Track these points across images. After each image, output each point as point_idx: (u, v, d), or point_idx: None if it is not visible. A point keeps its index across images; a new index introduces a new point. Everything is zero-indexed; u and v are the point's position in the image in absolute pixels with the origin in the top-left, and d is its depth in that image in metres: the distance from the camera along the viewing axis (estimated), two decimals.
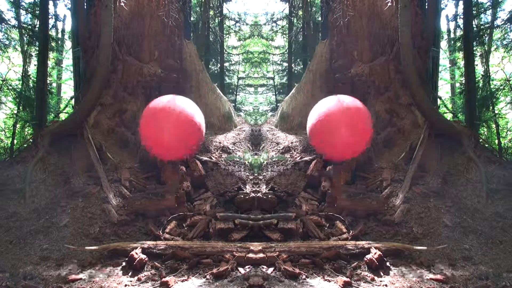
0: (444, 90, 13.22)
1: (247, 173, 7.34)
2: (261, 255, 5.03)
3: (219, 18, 11.89)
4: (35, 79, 9.15)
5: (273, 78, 12.50)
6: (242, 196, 6.62)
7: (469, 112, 8.82)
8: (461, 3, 10.74)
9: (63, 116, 9.59)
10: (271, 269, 4.82)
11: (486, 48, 9.47)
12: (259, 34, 12.17)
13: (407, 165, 7.10)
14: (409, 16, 7.63)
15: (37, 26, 9.40)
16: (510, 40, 9.39)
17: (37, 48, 9.28)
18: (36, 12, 9.51)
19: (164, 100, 6.68)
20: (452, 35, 12.30)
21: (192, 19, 10.41)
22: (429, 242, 5.58)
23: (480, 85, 9.23)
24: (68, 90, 12.98)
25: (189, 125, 6.58)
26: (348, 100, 6.71)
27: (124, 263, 4.97)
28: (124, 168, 7.11)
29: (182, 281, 4.54)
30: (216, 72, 12.24)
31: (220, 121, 9.02)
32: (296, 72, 12.35)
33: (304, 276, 4.63)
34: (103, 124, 7.72)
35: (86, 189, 6.60)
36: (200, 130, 6.78)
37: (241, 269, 4.82)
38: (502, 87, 9.12)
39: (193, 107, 6.80)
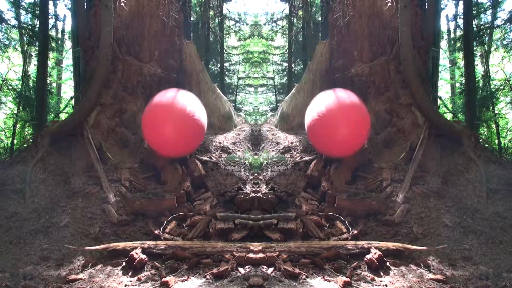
0: (444, 90, 13.23)
1: (247, 173, 7.34)
2: (261, 255, 5.03)
3: (219, 18, 11.88)
4: (35, 79, 9.15)
5: (273, 78, 12.50)
6: (242, 196, 6.62)
7: (469, 112, 8.82)
8: (461, 3, 10.75)
9: (63, 116, 9.59)
10: (271, 269, 4.82)
11: (486, 48, 9.48)
12: (259, 34, 12.17)
13: (407, 165, 7.10)
14: (409, 16, 7.63)
15: (37, 26, 9.40)
16: (510, 40, 9.40)
17: (37, 48, 9.29)
18: (36, 12, 9.52)
19: (166, 96, 6.67)
20: (452, 35, 12.30)
21: (192, 19, 10.41)
22: (429, 242, 5.57)
23: (480, 85, 9.23)
24: (68, 90, 12.98)
25: (192, 122, 6.57)
26: (344, 96, 6.72)
27: (124, 263, 4.96)
28: (124, 168, 7.10)
29: (182, 281, 4.54)
30: (216, 72, 12.24)
31: (220, 121, 9.01)
32: (296, 72, 12.34)
33: (304, 276, 4.63)
34: (103, 124, 7.72)
35: (86, 189, 6.59)
36: (202, 127, 6.77)
37: (241, 269, 4.82)
38: (502, 87, 9.12)
39: (195, 103, 6.79)
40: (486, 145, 8.27)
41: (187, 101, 6.74)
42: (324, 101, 6.79)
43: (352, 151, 6.83)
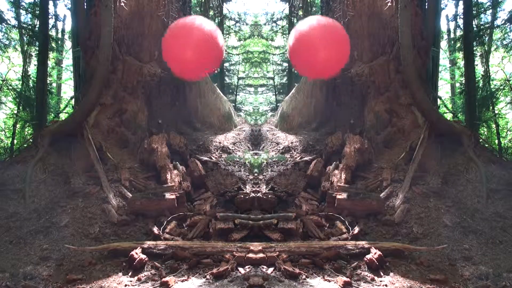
0: (444, 90, 13.22)
1: (247, 173, 7.35)
2: (261, 255, 5.03)
3: (219, 18, 11.88)
4: (35, 79, 9.14)
5: (273, 78, 12.51)
6: (242, 196, 6.62)
7: (469, 112, 8.82)
8: (461, 3, 10.73)
9: (63, 116, 9.58)
10: (271, 269, 4.82)
11: (486, 48, 9.47)
12: (259, 34, 12.17)
13: (407, 165, 7.10)
14: (409, 16, 7.62)
15: (37, 26, 9.39)
16: (510, 40, 9.39)
17: (37, 48, 9.27)
18: (36, 12, 9.51)
19: (185, 20, 6.61)
20: (452, 35, 12.29)
21: None
22: (429, 242, 5.57)
23: (480, 85, 9.22)
24: (68, 90, 12.96)
25: (210, 43, 6.49)
26: (324, 19, 6.66)
27: (124, 263, 4.96)
28: (124, 168, 7.10)
29: (182, 281, 4.54)
30: (216, 72, 12.23)
31: (220, 121, 9.02)
32: (296, 72, 12.33)
33: (304, 276, 4.63)
34: (103, 124, 7.72)
35: (86, 189, 6.59)
36: (220, 48, 6.67)
37: (241, 269, 4.82)
38: (502, 87, 9.11)
39: (213, 27, 6.73)
40: (486, 145, 8.26)
41: (204, 23, 6.64)
42: (305, 23, 6.67)
43: (332, 72, 6.75)
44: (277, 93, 12.26)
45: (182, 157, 7.64)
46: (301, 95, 9.06)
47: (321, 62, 6.30)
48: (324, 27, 6.37)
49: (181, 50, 6.24)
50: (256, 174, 7.30)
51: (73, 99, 8.99)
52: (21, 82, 9.20)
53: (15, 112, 9.04)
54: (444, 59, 12.75)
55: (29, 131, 9.12)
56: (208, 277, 4.61)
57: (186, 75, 6.68)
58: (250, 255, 5.03)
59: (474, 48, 9.26)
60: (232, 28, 12.38)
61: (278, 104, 11.08)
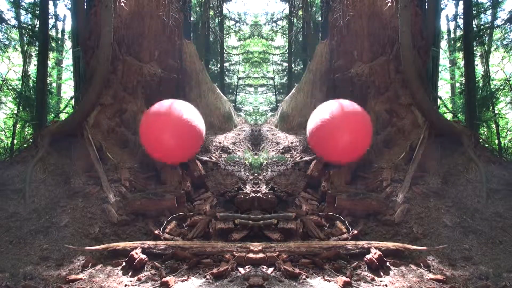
0: (444, 90, 13.22)
1: (247, 173, 7.34)
2: (261, 255, 5.04)
3: (219, 18, 11.88)
4: (35, 79, 9.14)
5: (273, 78, 12.50)
6: (242, 196, 6.62)
7: (469, 112, 8.82)
8: (461, 3, 10.73)
9: (63, 116, 9.58)
10: (271, 269, 4.82)
11: (486, 48, 9.47)
12: (259, 34, 12.17)
13: (407, 165, 7.10)
14: (409, 16, 7.62)
15: (37, 26, 9.39)
16: (510, 40, 9.39)
17: (37, 48, 9.28)
18: (36, 12, 9.51)
19: (164, 105, 6.71)
20: (452, 35, 12.30)
21: (192, 19, 10.41)
22: (429, 242, 5.58)
23: (480, 85, 9.22)
24: (68, 90, 12.97)
25: (189, 129, 6.60)
26: (348, 104, 6.74)
27: (124, 263, 4.97)
28: (124, 168, 7.10)
29: (182, 281, 4.55)
30: (216, 72, 12.25)
31: (220, 121, 9.02)
32: (296, 72, 12.35)
33: (304, 276, 4.63)
34: (103, 124, 7.72)
35: (86, 189, 6.60)
36: (200, 134, 6.81)
37: (241, 269, 4.82)
38: (502, 87, 9.11)
39: (192, 112, 6.83)
40: (486, 145, 8.26)
41: (184, 109, 6.74)
42: (328, 109, 6.77)
43: (354, 158, 6.86)
44: (277, 93, 12.25)
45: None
46: (301, 95, 9.05)
47: (343, 149, 6.43)
48: (348, 113, 6.50)
49: (159, 135, 6.34)
50: (256, 174, 7.30)
51: (73, 99, 8.98)
52: (21, 82, 9.21)
53: (15, 112, 9.04)
54: (444, 59, 12.76)
55: (29, 131, 9.12)
56: (208, 277, 4.61)
57: (165, 160, 6.82)
58: (250, 255, 5.04)
59: (474, 48, 9.26)
60: (232, 28, 12.37)
61: (278, 104, 11.08)
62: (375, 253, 4.99)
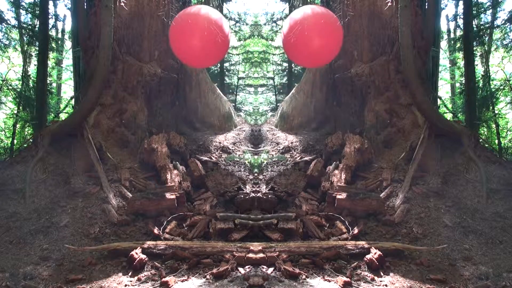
0: (444, 90, 13.23)
1: (247, 173, 7.35)
2: (261, 255, 5.03)
3: None
4: (35, 79, 9.15)
5: (273, 78, 12.51)
6: (242, 196, 6.62)
7: (469, 112, 8.82)
8: (461, 3, 10.74)
9: (63, 116, 9.59)
10: (271, 269, 4.81)
11: (486, 48, 9.48)
12: (259, 34, 12.17)
13: (407, 165, 7.10)
14: (409, 16, 7.62)
15: (37, 26, 9.40)
16: (510, 40, 9.40)
17: (37, 48, 9.28)
18: (36, 12, 9.51)
19: (191, 9, 6.64)
20: (452, 35, 12.30)
21: None
22: (429, 242, 5.57)
23: (480, 85, 9.23)
24: (68, 90, 12.98)
25: (217, 33, 6.49)
26: (318, 9, 6.66)
27: (124, 263, 4.97)
28: (124, 168, 7.11)
29: (182, 281, 4.54)
30: (216, 72, 12.26)
31: (220, 121, 9.02)
32: (296, 72, 12.36)
33: (304, 276, 4.63)
34: (103, 124, 7.72)
35: (86, 189, 6.60)
36: (226, 36, 6.68)
37: (241, 269, 4.82)
38: (502, 87, 9.12)
39: (219, 16, 6.74)
40: (486, 145, 8.27)
41: (210, 12, 6.65)
42: (299, 13, 6.66)
43: (325, 62, 6.76)
44: (277, 93, 12.26)
45: (182, 157, 7.65)
46: (301, 95, 9.06)
47: (315, 51, 6.29)
48: (318, 15, 6.36)
49: (187, 38, 6.23)
50: (256, 174, 7.30)
51: (73, 99, 8.99)
52: (21, 82, 9.21)
53: (15, 112, 9.04)
54: (444, 59, 12.77)
55: (29, 131, 9.13)
56: (208, 277, 4.61)
57: (192, 63, 6.70)
58: (250, 255, 5.03)
59: (474, 48, 9.27)
60: (232, 28, 12.37)
61: (278, 104, 11.09)
62: (375, 253, 4.99)
